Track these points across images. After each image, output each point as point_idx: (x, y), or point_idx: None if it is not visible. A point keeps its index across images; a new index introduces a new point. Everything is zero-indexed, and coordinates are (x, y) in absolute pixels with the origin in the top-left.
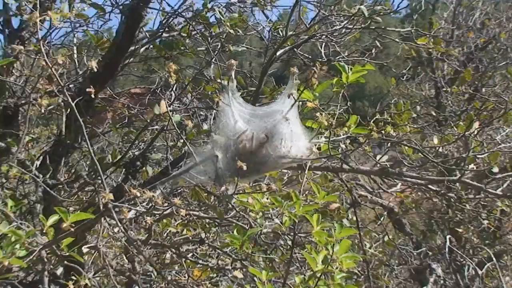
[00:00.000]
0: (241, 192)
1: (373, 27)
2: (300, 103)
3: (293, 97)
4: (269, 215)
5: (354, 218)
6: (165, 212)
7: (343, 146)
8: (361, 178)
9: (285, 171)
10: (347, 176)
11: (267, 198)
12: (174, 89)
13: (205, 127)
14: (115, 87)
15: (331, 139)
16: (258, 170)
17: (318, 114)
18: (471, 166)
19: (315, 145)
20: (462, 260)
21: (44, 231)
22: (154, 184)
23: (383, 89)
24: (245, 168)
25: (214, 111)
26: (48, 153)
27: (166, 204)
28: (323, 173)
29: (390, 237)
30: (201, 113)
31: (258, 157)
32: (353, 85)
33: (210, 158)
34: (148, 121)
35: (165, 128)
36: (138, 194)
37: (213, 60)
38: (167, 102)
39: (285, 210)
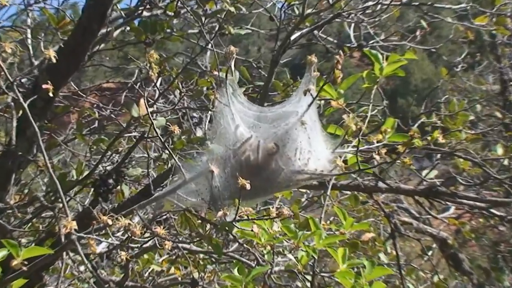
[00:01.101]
0: (244, 218)
1: (418, 3)
2: (322, 102)
3: (311, 94)
4: (282, 249)
5: (394, 253)
6: (145, 245)
7: (378, 158)
8: (404, 199)
9: (302, 190)
10: (385, 198)
11: (278, 227)
12: (158, 83)
13: (199, 133)
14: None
15: (361, 148)
16: (265, 190)
17: (344, 116)
18: None
19: (340, 156)
20: None
21: None
22: (131, 209)
23: (432, 82)
24: (248, 187)
25: (210, 112)
26: None
27: (147, 235)
28: (352, 194)
29: (442, 277)
30: (194, 115)
31: (265, 172)
32: (393, 77)
33: (204, 174)
34: (124, 126)
35: (145, 135)
36: (110, 222)
37: (208, 46)
38: (149, 101)
39: (302, 243)
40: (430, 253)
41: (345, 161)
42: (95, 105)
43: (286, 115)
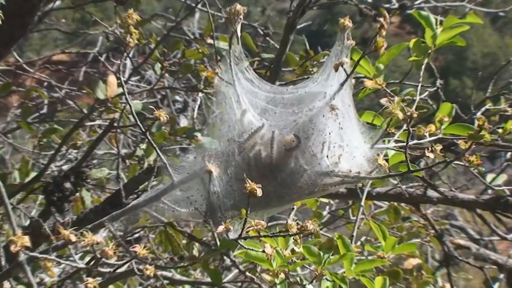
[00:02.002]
0: (252, 236)
1: None
2: (352, 81)
3: (345, 70)
4: (298, 278)
5: (448, 286)
6: (119, 270)
7: (431, 156)
8: (459, 215)
9: (324, 200)
10: (433, 213)
11: (296, 247)
12: (130, 55)
13: (183, 123)
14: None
15: (408, 144)
16: (281, 198)
17: (384, 100)
18: None
19: (380, 153)
20: None
21: None
22: (99, 222)
23: (495, 58)
24: (259, 193)
25: (201, 94)
26: None
27: (120, 256)
28: (392, 205)
29: None
30: (177, 98)
31: (282, 174)
32: (445, 51)
33: (198, 176)
34: (85, 111)
35: (115, 123)
36: (74, 238)
37: (198, 6)
38: (120, 79)
39: (326, 270)
40: (496, 286)
41: (386, 160)
42: (45, 84)
43: (310, 97)
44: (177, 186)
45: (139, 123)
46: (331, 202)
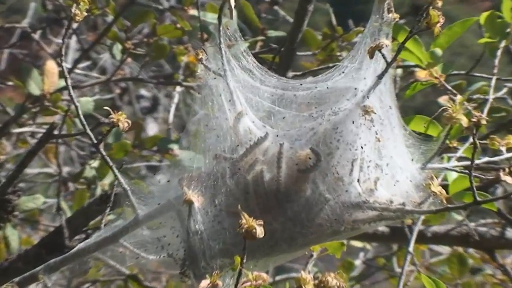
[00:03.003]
0: None
1: None
2: (397, 71)
3: (383, 57)
4: None
5: None
6: None
7: (508, 180)
8: None
9: (356, 244)
10: None
11: None
12: (77, 32)
13: (152, 128)
14: None
15: (477, 162)
16: (292, 239)
17: (443, 99)
18: None
19: (435, 177)
20: None
21: None
22: (30, 273)
23: None
24: (260, 233)
25: (179, 88)
26: None
27: None
28: (455, 252)
29: None
30: (143, 93)
31: (293, 205)
32: None
33: (173, 208)
34: (11, 113)
35: (54, 131)
36: None
37: None
38: (61, 66)
39: None
40: None
41: (443, 186)
42: None
43: (334, 95)
44: (144, 222)
45: (88, 131)
46: (367, 246)
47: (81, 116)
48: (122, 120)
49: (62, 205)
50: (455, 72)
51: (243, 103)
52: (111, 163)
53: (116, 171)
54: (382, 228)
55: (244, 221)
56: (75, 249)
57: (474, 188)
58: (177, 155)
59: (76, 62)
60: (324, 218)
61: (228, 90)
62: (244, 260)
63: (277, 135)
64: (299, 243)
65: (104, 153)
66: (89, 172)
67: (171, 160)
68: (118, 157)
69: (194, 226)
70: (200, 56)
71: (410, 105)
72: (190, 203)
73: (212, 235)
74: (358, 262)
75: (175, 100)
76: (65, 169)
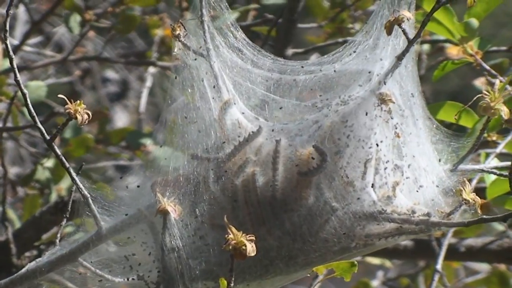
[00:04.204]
0: None
1: None
2: (423, 46)
3: (404, 32)
4: None
5: None
6: None
7: None
8: None
9: (373, 261)
10: None
11: None
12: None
13: (121, 118)
14: None
15: None
16: (291, 258)
17: (481, 82)
18: None
19: (468, 181)
20: None
21: None
22: None
23: None
24: (251, 251)
25: (154, 69)
26: None
27: None
28: (495, 269)
29: None
30: (110, 76)
31: (293, 216)
32: None
33: (145, 219)
34: None
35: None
36: None
37: None
38: (6, 42)
39: None
40: None
41: (480, 190)
42: None
43: (343, 79)
44: (108, 236)
45: (39, 123)
46: (387, 264)
47: (30, 105)
48: (81, 111)
49: (9, 214)
50: (495, 48)
51: (230, 89)
52: (67, 164)
53: (73, 173)
54: (404, 242)
55: (231, 235)
56: (24, 269)
57: None
58: (151, 153)
59: (25, 37)
60: (330, 232)
61: (212, 74)
62: (232, 284)
63: (272, 130)
64: (299, 263)
65: (58, 151)
66: (42, 174)
67: (143, 160)
68: (77, 155)
69: (170, 242)
70: (177, 32)
71: (443, 89)
72: (165, 213)
73: (193, 253)
74: (376, 283)
75: (148, 83)
76: (13, 170)
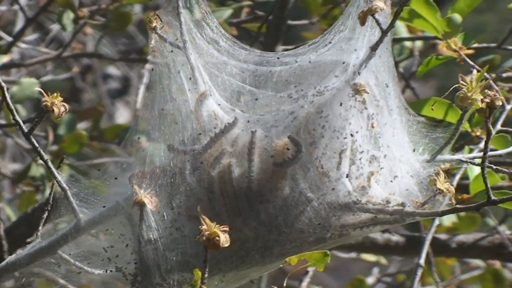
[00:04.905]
0: None
1: None
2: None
3: (378, 23)
4: None
5: None
6: None
7: None
8: None
9: (368, 258)
10: None
11: None
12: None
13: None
14: None
15: (493, 153)
16: (266, 249)
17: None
18: None
19: (442, 170)
20: None
21: None
22: None
23: None
24: (225, 241)
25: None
26: None
27: None
28: (489, 266)
29: None
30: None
31: (268, 207)
32: None
33: (122, 211)
34: None
35: None
36: None
37: None
38: None
39: None
40: None
41: (463, 188)
42: None
43: (318, 70)
44: (87, 229)
45: (17, 117)
46: (382, 261)
47: (8, 99)
48: (58, 103)
49: (7, 211)
50: (481, 45)
51: (207, 81)
52: (45, 157)
53: (51, 166)
54: (395, 237)
55: (205, 226)
56: (4, 262)
57: (488, 184)
58: (144, 148)
59: (19, 33)
60: (305, 222)
61: (189, 66)
62: (206, 275)
63: (248, 121)
64: (275, 254)
65: (37, 144)
66: (37, 171)
67: (136, 155)
68: (71, 151)
69: (147, 234)
70: (154, 24)
71: (447, 85)
72: (141, 205)
73: (169, 245)
74: (371, 280)
75: (145, 79)
76: (10, 166)
